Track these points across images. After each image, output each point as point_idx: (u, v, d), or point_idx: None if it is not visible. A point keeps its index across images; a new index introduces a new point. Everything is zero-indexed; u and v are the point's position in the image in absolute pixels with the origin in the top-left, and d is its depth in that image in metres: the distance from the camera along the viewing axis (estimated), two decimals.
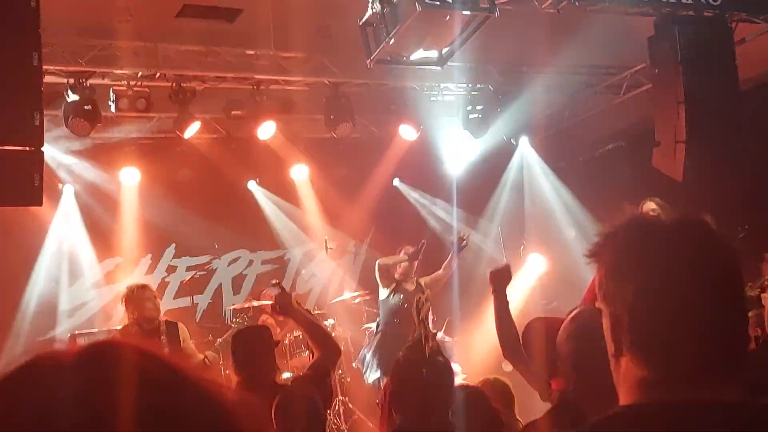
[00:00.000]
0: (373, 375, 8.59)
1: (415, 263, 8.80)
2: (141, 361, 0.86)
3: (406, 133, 10.54)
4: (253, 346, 4.72)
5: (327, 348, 4.67)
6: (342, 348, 7.08)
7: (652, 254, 1.50)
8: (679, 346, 1.44)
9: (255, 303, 9.39)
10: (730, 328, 1.47)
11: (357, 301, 10.28)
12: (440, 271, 9.14)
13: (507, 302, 4.50)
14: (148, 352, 0.88)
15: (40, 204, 5.63)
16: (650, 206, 8.68)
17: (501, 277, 4.55)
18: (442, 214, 12.14)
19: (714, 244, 1.51)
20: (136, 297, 7.02)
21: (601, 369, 1.66)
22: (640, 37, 8.21)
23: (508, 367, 5.13)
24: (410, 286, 8.80)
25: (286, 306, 4.82)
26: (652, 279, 1.48)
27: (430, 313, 8.56)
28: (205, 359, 7.36)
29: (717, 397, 1.42)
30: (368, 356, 8.74)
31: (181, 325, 7.20)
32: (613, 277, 1.54)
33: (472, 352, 10.02)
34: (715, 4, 7.71)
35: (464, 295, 9.73)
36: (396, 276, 8.81)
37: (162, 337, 6.82)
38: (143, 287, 7.23)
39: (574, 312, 2.87)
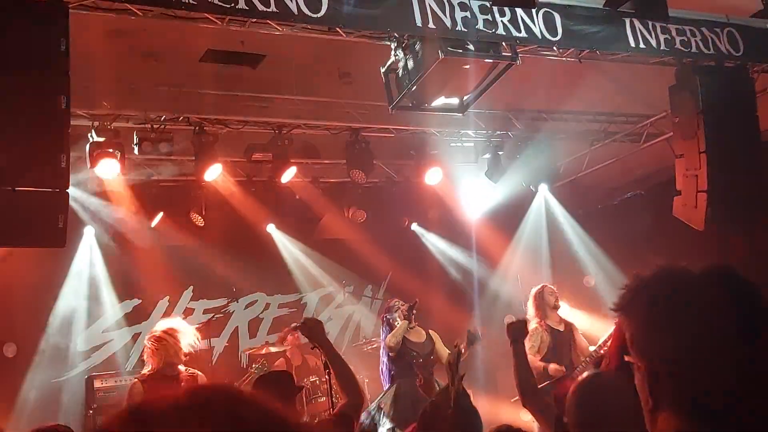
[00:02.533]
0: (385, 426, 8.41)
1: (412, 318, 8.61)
2: (243, 412, 0.85)
3: (433, 177, 10.50)
4: (275, 392, 4.65)
5: (353, 390, 4.55)
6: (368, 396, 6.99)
7: (686, 306, 1.49)
8: (717, 400, 1.42)
9: (272, 349, 9.33)
10: (765, 381, 1.44)
11: (374, 346, 10.21)
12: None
13: (525, 352, 4.64)
14: (249, 400, 0.88)
15: (63, 245, 5.66)
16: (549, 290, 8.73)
17: (517, 330, 4.70)
18: (461, 260, 12.11)
19: (745, 292, 1.50)
20: (171, 341, 6.73)
21: None
22: (661, 86, 8.24)
23: (526, 416, 5.12)
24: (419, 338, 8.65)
25: (314, 328, 4.67)
26: (689, 331, 1.46)
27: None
28: None
29: None
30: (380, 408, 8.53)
31: (201, 376, 7.10)
32: (647, 331, 1.52)
33: (489, 401, 9.93)
34: (736, 54, 7.75)
35: (484, 344, 9.65)
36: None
37: (182, 384, 6.69)
38: (177, 332, 6.93)
39: (580, 379, 2.85)
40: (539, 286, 8.82)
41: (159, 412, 0.85)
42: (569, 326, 8.66)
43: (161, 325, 6.78)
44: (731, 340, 1.44)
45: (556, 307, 8.62)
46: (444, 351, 8.53)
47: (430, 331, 8.72)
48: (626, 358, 1.62)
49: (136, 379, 6.78)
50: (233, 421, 0.84)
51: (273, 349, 9.41)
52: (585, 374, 2.80)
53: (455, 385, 2.88)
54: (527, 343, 5.41)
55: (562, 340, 8.48)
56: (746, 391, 1.42)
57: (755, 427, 1.42)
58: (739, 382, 1.42)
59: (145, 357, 6.69)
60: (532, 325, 8.27)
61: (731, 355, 1.43)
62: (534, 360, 8.69)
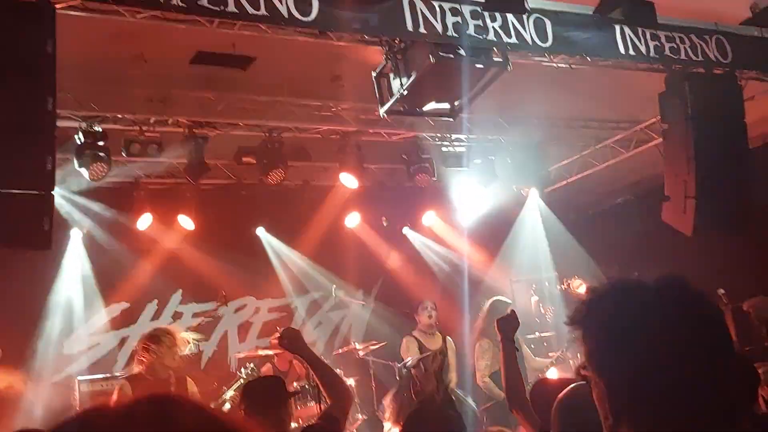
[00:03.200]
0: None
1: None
2: (183, 419, 0.84)
3: (423, 181, 10.52)
4: (264, 398, 4.62)
5: (338, 393, 4.52)
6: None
7: (641, 320, 1.47)
8: (676, 410, 1.41)
9: (261, 352, 9.29)
10: (723, 387, 1.45)
11: (362, 353, 10.18)
12: None
13: (515, 351, 4.58)
14: (191, 407, 0.86)
15: (49, 248, 5.61)
16: (576, 283, 8.67)
17: (508, 324, 4.63)
18: (452, 264, 12.09)
19: (698, 303, 1.50)
20: (165, 343, 6.70)
21: None
22: (651, 92, 8.26)
23: None
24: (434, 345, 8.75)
25: (293, 340, 4.64)
26: (645, 345, 1.45)
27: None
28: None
29: None
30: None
31: (190, 381, 7.06)
32: (604, 346, 1.51)
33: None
34: (725, 61, 7.78)
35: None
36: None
37: (171, 389, 6.64)
38: (171, 333, 6.89)
39: (567, 389, 2.84)
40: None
41: (102, 416, 0.84)
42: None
43: (158, 327, 6.78)
44: (686, 353, 1.43)
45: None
46: (454, 361, 8.67)
47: (448, 337, 9.02)
48: (582, 373, 1.61)
49: (124, 380, 6.75)
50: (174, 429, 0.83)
51: (262, 353, 9.35)
52: (570, 386, 2.79)
53: (440, 392, 2.87)
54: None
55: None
56: (698, 403, 1.41)
57: None
58: (697, 395, 1.42)
59: (136, 357, 6.68)
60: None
61: (688, 368, 1.42)
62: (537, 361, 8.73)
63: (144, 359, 6.55)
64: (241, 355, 9.66)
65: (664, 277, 1.52)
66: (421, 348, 8.50)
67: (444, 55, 6.39)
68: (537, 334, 10.88)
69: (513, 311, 4.95)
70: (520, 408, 4.27)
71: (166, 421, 0.84)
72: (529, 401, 4.18)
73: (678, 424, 1.40)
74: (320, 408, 5.90)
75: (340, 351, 10.12)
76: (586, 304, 1.56)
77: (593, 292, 1.58)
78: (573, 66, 7.61)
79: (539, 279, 11.66)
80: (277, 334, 4.79)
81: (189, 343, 6.83)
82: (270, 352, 9.53)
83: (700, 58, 7.66)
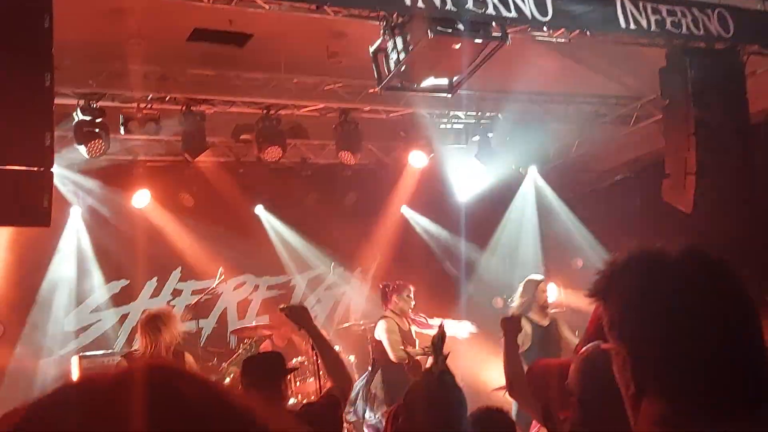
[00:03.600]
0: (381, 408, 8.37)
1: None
2: (181, 387, 0.83)
3: (416, 160, 10.54)
4: (264, 373, 4.64)
5: (339, 374, 4.56)
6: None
7: (665, 289, 1.47)
8: (702, 379, 1.41)
9: (255, 322, 9.32)
10: (750, 356, 1.43)
11: (363, 328, 10.21)
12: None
13: (517, 346, 4.81)
14: (189, 376, 0.86)
15: (48, 225, 5.60)
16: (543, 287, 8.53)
17: (512, 325, 4.82)
18: (449, 242, 12.10)
19: (723, 273, 1.49)
20: (163, 324, 6.71)
21: (609, 406, 1.61)
22: (652, 68, 8.21)
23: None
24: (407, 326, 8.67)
25: (301, 314, 4.69)
26: (669, 314, 1.44)
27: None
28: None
29: (744, 427, 1.38)
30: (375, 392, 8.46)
31: (187, 355, 7.08)
32: (627, 314, 1.50)
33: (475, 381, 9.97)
34: (726, 36, 7.71)
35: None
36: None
37: None
38: (169, 315, 6.90)
39: (586, 351, 2.86)
40: (537, 278, 8.55)
41: (96, 386, 0.83)
42: (554, 321, 8.41)
43: (156, 307, 6.81)
44: (708, 323, 1.42)
45: (544, 306, 8.34)
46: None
47: (413, 325, 8.69)
48: (603, 346, 1.59)
49: (121, 357, 6.77)
50: (172, 396, 0.82)
51: (256, 323, 9.37)
52: (589, 347, 2.81)
53: (439, 364, 2.88)
54: None
55: (548, 336, 8.22)
56: (721, 375, 1.40)
57: (734, 407, 1.40)
58: (725, 365, 1.41)
59: (137, 336, 6.69)
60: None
61: (710, 339, 1.41)
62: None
63: (144, 339, 6.58)
64: (236, 328, 9.69)
65: (686, 246, 1.51)
66: (400, 329, 8.41)
67: (442, 30, 6.34)
68: None
69: (519, 316, 5.09)
70: (519, 395, 4.44)
71: (162, 387, 0.83)
72: (527, 388, 4.28)
73: (705, 396, 1.40)
74: (319, 384, 5.92)
75: (346, 325, 10.17)
76: (606, 274, 1.55)
77: (613, 263, 1.56)
78: (573, 40, 7.55)
79: (536, 256, 11.67)
80: (282, 306, 4.83)
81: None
82: (267, 332, 9.58)
83: (702, 33, 7.59)
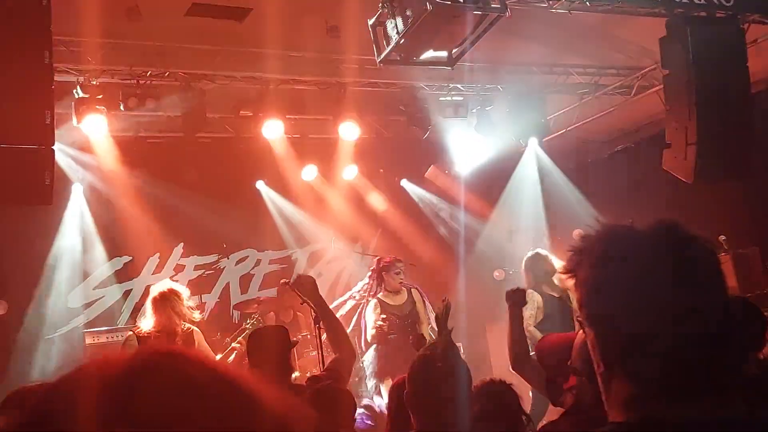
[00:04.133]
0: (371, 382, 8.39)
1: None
2: (190, 372, 0.85)
3: (418, 131, 10.49)
4: (268, 346, 4.67)
5: (344, 348, 4.59)
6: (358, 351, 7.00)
7: (632, 268, 1.44)
8: (667, 358, 1.38)
9: (259, 294, 9.35)
10: (717, 339, 1.40)
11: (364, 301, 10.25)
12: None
13: (521, 316, 4.79)
14: (197, 361, 0.88)
15: (50, 203, 5.62)
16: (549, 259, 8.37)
17: (516, 297, 4.83)
18: (450, 215, 12.13)
19: (692, 250, 1.45)
20: (175, 302, 6.75)
21: None
22: (652, 37, 8.18)
23: None
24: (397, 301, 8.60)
25: (308, 285, 4.68)
26: (634, 293, 1.42)
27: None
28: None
29: (712, 410, 1.36)
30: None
31: (196, 330, 7.13)
32: (594, 293, 1.48)
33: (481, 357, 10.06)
34: (727, 4, 7.67)
35: (471, 301, 9.76)
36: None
37: (177, 341, 6.68)
38: (179, 293, 6.92)
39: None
40: (531, 253, 8.41)
41: (110, 371, 0.85)
42: (566, 292, 8.09)
43: (165, 284, 6.84)
44: (675, 302, 1.39)
45: (549, 273, 8.13)
46: (423, 311, 8.48)
47: (413, 289, 8.59)
48: (578, 325, 1.58)
49: (131, 332, 6.81)
50: (182, 380, 0.84)
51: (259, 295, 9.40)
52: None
53: (444, 338, 2.89)
54: (525, 312, 5.42)
55: (562, 307, 8.04)
56: (691, 355, 1.38)
57: (700, 391, 1.39)
58: (690, 337, 1.38)
59: (147, 313, 6.72)
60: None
61: (679, 310, 1.39)
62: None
63: (155, 316, 6.62)
64: (238, 302, 9.72)
65: (656, 221, 1.48)
66: (384, 309, 8.33)
67: (441, 1, 6.30)
68: None
69: (524, 290, 5.01)
70: (522, 367, 4.44)
71: (169, 373, 0.85)
72: (530, 360, 4.30)
73: (673, 369, 1.38)
74: (321, 357, 5.96)
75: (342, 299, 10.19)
76: (576, 251, 1.53)
77: (584, 239, 1.53)
78: (572, 12, 7.51)
79: (538, 228, 11.70)
80: (284, 280, 4.84)
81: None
82: (271, 306, 9.61)
83: (703, 2, 7.55)
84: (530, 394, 6.24)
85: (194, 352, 0.91)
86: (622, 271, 1.45)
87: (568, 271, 1.53)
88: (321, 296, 4.76)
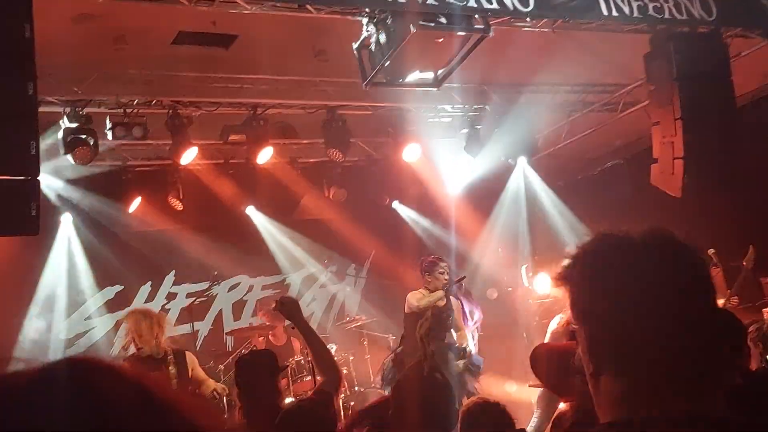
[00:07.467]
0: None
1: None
2: (102, 383, 0.82)
3: (411, 153, 10.47)
4: (254, 371, 4.65)
5: (328, 368, 4.58)
6: (345, 372, 6.97)
7: (624, 270, 1.48)
8: (655, 359, 1.42)
9: (252, 320, 9.34)
10: (702, 339, 1.44)
11: (358, 324, 10.24)
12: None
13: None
14: (112, 371, 0.84)
15: (36, 233, 5.58)
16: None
17: (291, 307, 4.72)
18: (440, 235, 12.12)
19: (683, 256, 1.50)
20: (140, 326, 6.78)
21: None
22: (636, 54, 8.22)
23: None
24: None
25: (291, 307, 4.66)
26: (625, 295, 1.46)
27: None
28: (215, 392, 7.15)
29: (698, 411, 1.39)
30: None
31: (188, 354, 7.09)
32: (586, 296, 1.52)
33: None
34: (709, 19, 7.73)
35: None
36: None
37: (170, 367, 6.65)
38: (145, 314, 6.97)
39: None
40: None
41: (13, 383, 0.82)
42: None
43: (139, 307, 6.86)
44: (662, 305, 1.43)
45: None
46: (460, 318, 8.54)
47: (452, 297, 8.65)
48: (571, 327, 1.61)
49: (122, 361, 6.76)
50: (91, 392, 0.80)
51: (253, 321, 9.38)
52: None
53: (427, 358, 2.88)
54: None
55: None
56: (674, 355, 1.42)
57: (689, 390, 1.42)
58: (665, 346, 1.42)
59: (125, 339, 6.73)
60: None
61: (663, 321, 1.43)
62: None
63: (133, 339, 6.62)
64: (232, 330, 9.68)
65: (649, 229, 1.53)
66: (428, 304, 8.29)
67: (425, 24, 6.34)
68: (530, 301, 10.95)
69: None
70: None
71: (79, 382, 0.81)
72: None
73: (659, 377, 1.41)
74: (314, 381, 5.95)
75: (347, 319, 10.17)
76: (572, 257, 1.56)
77: (579, 247, 1.57)
78: (556, 30, 7.56)
79: (525, 246, 11.72)
80: (273, 306, 4.83)
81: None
82: (258, 323, 9.57)
83: (685, 17, 7.60)
84: (534, 408, 6.22)
85: (114, 364, 0.86)
86: (614, 270, 1.49)
87: (562, 278, 1.56)
88: (304, 318, 4.74)
